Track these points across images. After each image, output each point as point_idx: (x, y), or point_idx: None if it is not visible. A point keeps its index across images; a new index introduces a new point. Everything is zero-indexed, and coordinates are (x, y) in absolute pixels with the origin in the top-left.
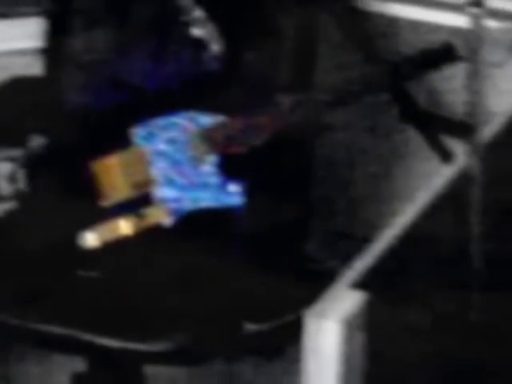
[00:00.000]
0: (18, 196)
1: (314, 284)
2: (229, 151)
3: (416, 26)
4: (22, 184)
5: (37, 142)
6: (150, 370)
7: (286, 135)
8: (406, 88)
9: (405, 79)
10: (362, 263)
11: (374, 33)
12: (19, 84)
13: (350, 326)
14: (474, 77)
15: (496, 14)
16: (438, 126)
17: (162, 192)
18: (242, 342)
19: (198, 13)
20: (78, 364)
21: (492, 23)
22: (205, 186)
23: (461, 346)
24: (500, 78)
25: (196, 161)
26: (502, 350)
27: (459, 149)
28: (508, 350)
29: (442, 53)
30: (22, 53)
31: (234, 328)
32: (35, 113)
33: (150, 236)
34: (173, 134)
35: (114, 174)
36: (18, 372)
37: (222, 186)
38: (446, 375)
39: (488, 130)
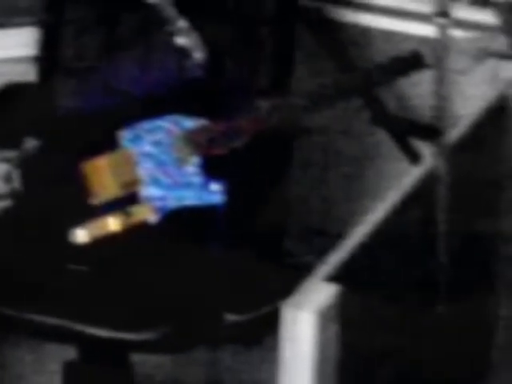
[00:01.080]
0: (13, 195)
1: (291, 277)
2: (211, 153)
3: (386, 35)
4: (16, 184)
5: (31, 144)
6: (136, 357)
7: (264, 137)
8: (377, 93)
9: (376, 85)
10: (336, 258)
11: (347, 42)
12: (15, 90)
13: (325, 317)
14: (441, 83)
15: (461, 24)
16: (406, 129)
17: (148, 191)
18: (222, 331)
19: (182, 23)
20: (70, 352)
21: (458, 33)
22: (188, 185)
23: (428, 336)
24: (465, 84)
25: (180, 162)
26: (467, 341)
27: (426, 150)
28: (473, 341)
29: (411, 60)
30: (17, 60)
31: (215, 318)
32: (29, 117)
33: (136, 232)
34: (158, 136)
35: (103, 175)
36: (12, 360)
37: (204, 186)
38: (413, 365)
39: (454, 133)
